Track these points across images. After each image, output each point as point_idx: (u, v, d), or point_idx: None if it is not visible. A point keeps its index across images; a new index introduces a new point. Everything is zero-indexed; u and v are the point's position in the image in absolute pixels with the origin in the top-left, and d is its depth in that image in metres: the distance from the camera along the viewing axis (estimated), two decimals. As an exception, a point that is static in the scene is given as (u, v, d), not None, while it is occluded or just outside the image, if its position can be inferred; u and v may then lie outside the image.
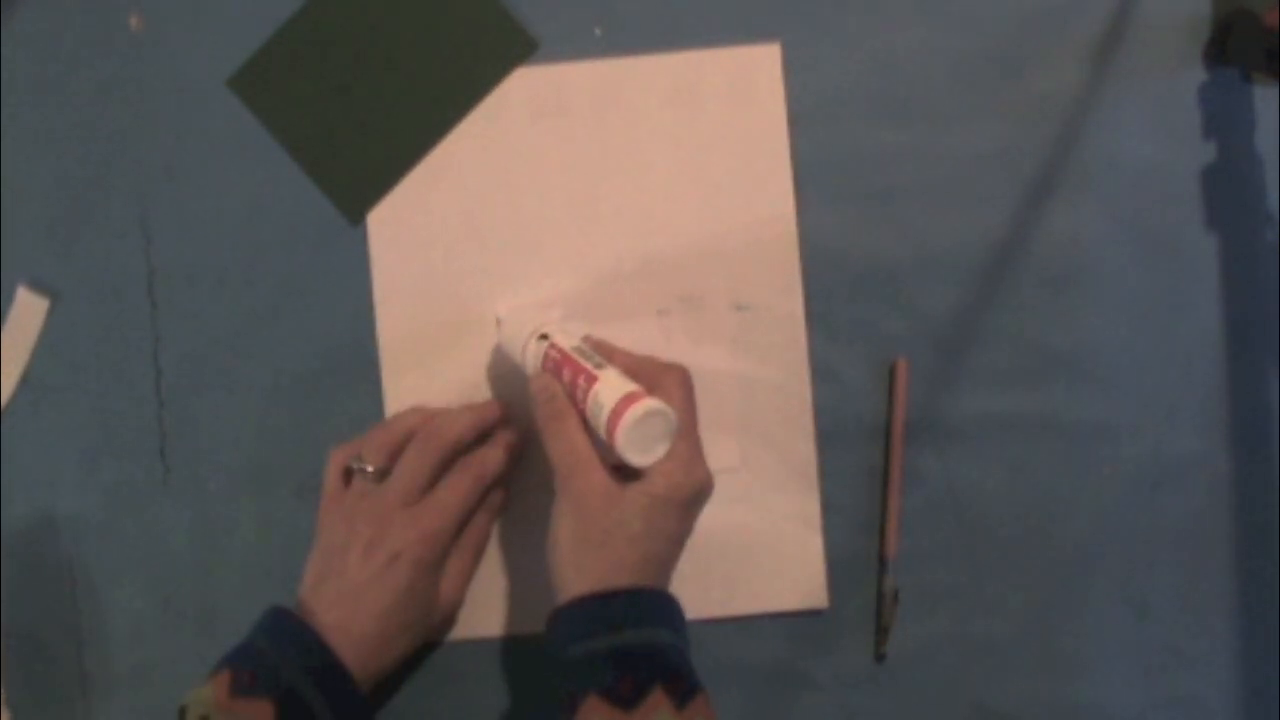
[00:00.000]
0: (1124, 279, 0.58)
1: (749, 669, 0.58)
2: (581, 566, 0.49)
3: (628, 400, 0.48)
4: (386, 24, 0.59)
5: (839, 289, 0.58)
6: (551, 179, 0.59)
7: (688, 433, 0.50)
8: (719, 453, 0.58)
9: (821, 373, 0.58)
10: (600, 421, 0.49)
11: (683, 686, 0.47)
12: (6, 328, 0.60)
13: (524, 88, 0.59)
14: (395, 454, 0.55)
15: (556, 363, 0.53)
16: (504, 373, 0.59)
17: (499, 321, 0.58)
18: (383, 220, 0.59)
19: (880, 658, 0.58)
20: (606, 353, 0.54)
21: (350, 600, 0.52)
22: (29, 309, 0.60)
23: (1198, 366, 0.58)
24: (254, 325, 0.60)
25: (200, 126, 0.60)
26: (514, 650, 0.59)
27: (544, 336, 0.54)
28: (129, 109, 0.60)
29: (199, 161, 0.60)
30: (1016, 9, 0.58)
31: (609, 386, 0.49)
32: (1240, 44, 0.57)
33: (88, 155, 0.60)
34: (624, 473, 0.50)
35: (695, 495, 0.50)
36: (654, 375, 0.52)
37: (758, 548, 0.58)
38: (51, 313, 0.60)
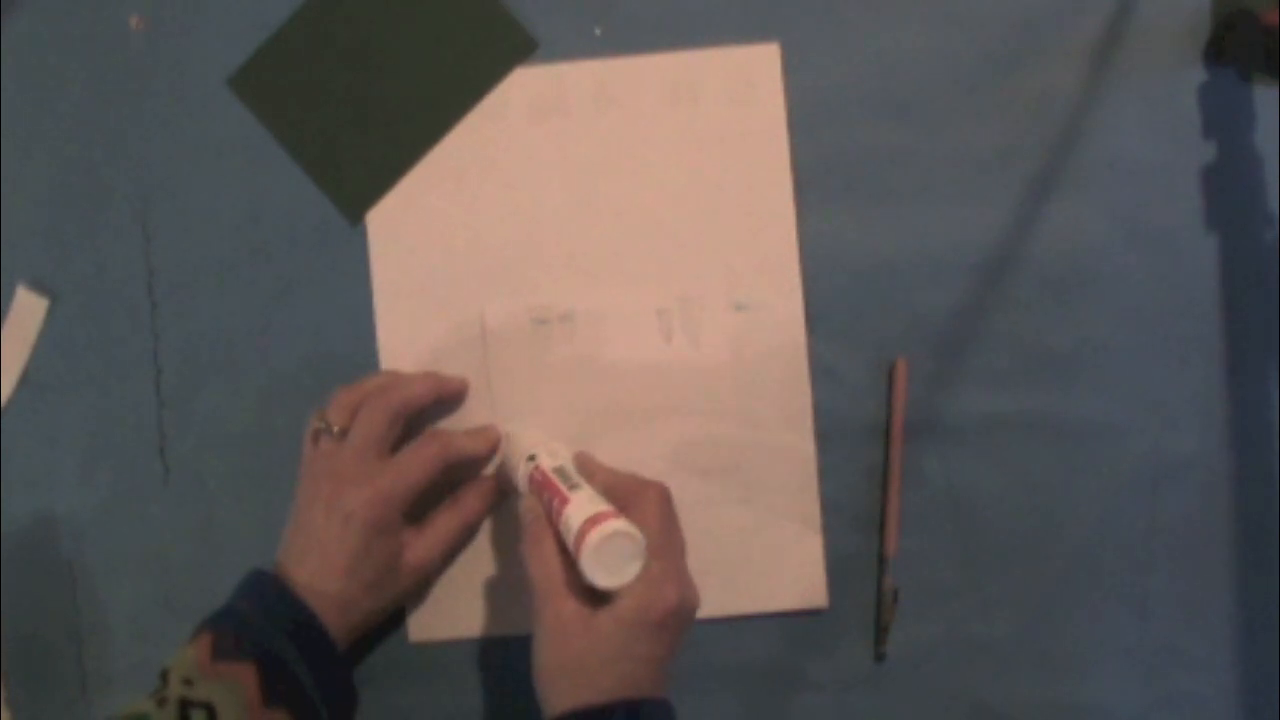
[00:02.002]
0: (1124, 279, 0.58)
1: (748, 669, 0.58)
2: (560, 691, 0.49)
3: (592, 522, 0.47)
4: (386, 24, 0.59)
5: (839, 289, 0.58)
6: (551, 179, 0.59)
7: (662, 552, 0.49)
8: (719, 453, 0.58)
9: (821, 373, 0.58)
10: (570, 544, 0.48)
11: None
12: (6, 328, 0.60)
13: (524, 88, 0.59)
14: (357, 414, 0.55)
15: (539, 484, 0.53)
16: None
17: (506, 436, 0.58)
18: (383, 220, 0.59)
19: (880, 658, 0.58)
20: (589, 472, 0.54)
21: (316, 558, 0.53)
22: (29, 309, 0.60)
23: (1198, 366, 0.58)
24: (254, 325, 0.60)
25: (200, 126, 0.60)
26: (512, 650, 0.59)
27: (531, 458, 0.54)
28: (129, 109, 0.60)
29: (199, 161, 0.60)
30: (1016, 9, 0.58)
31: (578, 508, 0.49)
32: (1240, 44, 0.56)
33: (88, 155, 0.60)
34: (598, 595, 0.49)
35: (666, 616, 0.48)
36: (631, 494, 0.51)
37: (757, 547, 0.58)
38: (51, 313, 0.60)
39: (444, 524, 0.56)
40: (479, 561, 0.59)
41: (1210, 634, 0.58)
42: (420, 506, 0.56)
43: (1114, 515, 0.58)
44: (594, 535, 0.47)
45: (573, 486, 0.51)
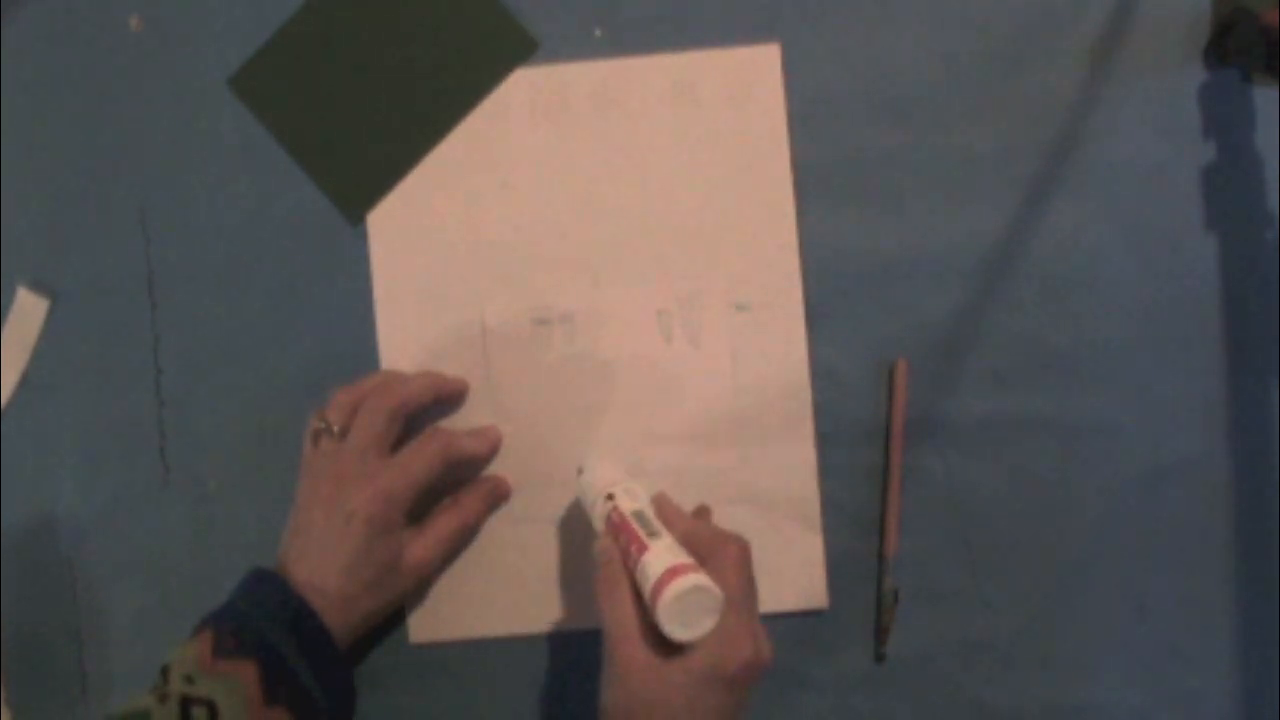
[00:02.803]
0: (1124, 279, 0.58)
1: (749, 669, 0.58)
2: None
3: (671, 574, 0.47)
4: (386, 24, 0.59)
5: (839, 289, 0.58)
6: (551, 179, 0.59)
7: (738, 607, 0.48)
8: (719, 453, 0.58)
9: (821, 373, 0.58)
10: (646, 592, 0.48)
11: None
12: (6, 328, 0.60)
13: (524, 88, 0.59)
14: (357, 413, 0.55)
15: (616, 526, 0.52)
16: (503, 384, 0.59)
17: (580, 471, 0.57)
18: (383, 220, 0.59)
19: (880, 658, 0.58)
20: (669, 518, 0.52)
21: (316, 557, 0.53)
22: (29, 309, 0.60)
23: (1198, 366, 0.58)
24: (254, 325, 0.60)
25: (200, 126, 0.60)
26: (512, 651, 0.59)
27: (610, 496, 0.53)
28: (129, 109, 0.60)
29: (199, 161, 0.60)
30: (1016, 9, 0.58)
31: (656, 557, 0.48)
32: (1240, 44, 0.57)
33: (88, 155, 0.60)
34: (671, 644, 0.48)
35: (739, 672, 0.47)
36: (710, 546, 0.50)
37: (758, 548, 0.57)
38: (51, 313, 0.60)
39: (444, 524, 0.56)
40: (479, 562, 0.59)
41: (1210, 634, 0.58)
42: (420, 506, 0.56)
43: (1114, 515, 0.58)
44: (672, 588, 0.46)
45: (652, 534, 0.50)
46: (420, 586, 0.58)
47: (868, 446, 0.58)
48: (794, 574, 0.58)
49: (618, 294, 0.59)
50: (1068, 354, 0.58)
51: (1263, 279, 0.58)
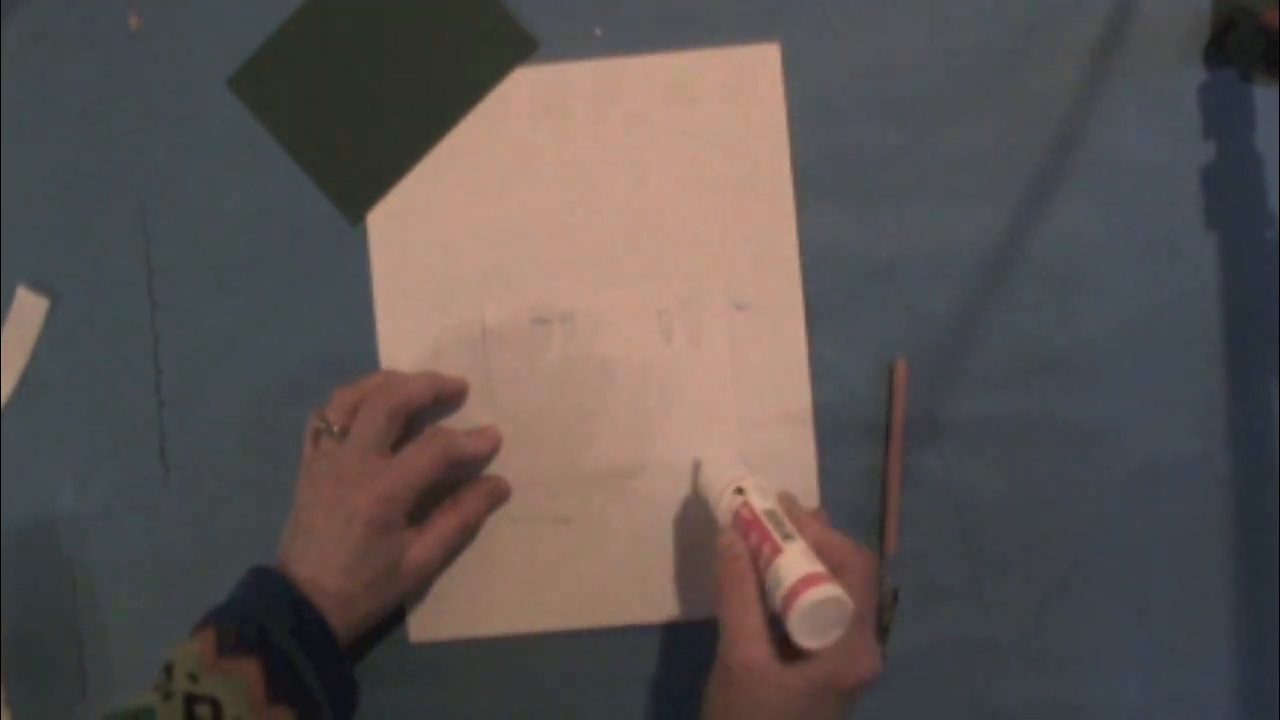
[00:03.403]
0: (1124, 279, 0.58)
1: (749, 669, 0.58)
2: None
3: (808, 582, 0.46)
4: (386, 24, 0.59)
5: (839, 289, 0.58)
6: (551, 179, 0.59)
7: (862, 621, 0.48)
8: (718, 453, 0.58)
9: (821, 373, 0.58)
10: (777, 596, 0.48)
11: None
12: (6, 328, 0.60)
13: (524, 88, 0.59)
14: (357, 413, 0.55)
15: (746, 522, 0.51)
16: (502, 379, 0.59)
17: (697, 463, 0.57)
18: (383, 220, 0.59)
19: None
20: (799, 522, 0.52)
21: (316, 556, 0.53)
22: (29, 309, 0.60)
23: (1198, 366, 0.58)
24: (254, 325, 0.60)
25: (200, 126, 0.60)
26: (512, 650, 0.59)
27: (740, 490, 0.53)
28: (129, 109, 0.60)
29: (199, 161, 0.60)
30: (1016, 9, 0.58)
31: (792, 562, 0.48)
32: (1240, 44, 0.57)
33: (88, 155, 0.60)
34: (790, 648, 0.48)
35: (856, 686, 0.48)
36: (840, 556, 0.50)
37: (758, 548, 0.58)
38: (51, 313, 0.60)
39: (444, 524, 0.56)
40: (479, 561, 0.59)
41: (1210, 634, 0.58)
42: (420, 506, 0.56)
43: (1114, 515, 0.58)
44: (809, 596, 0.46)
45: (786, 537, 0.49)
46: (420, 586, 0.58)
47: (868, 446, 0.58)
48: (794, 574, 0.58)
49: (618, 294, 0.59)
50: (1068, 354, 0.58)
51: (1263, 279, 0.58)
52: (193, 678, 0.49)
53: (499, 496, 0.58)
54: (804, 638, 0.47)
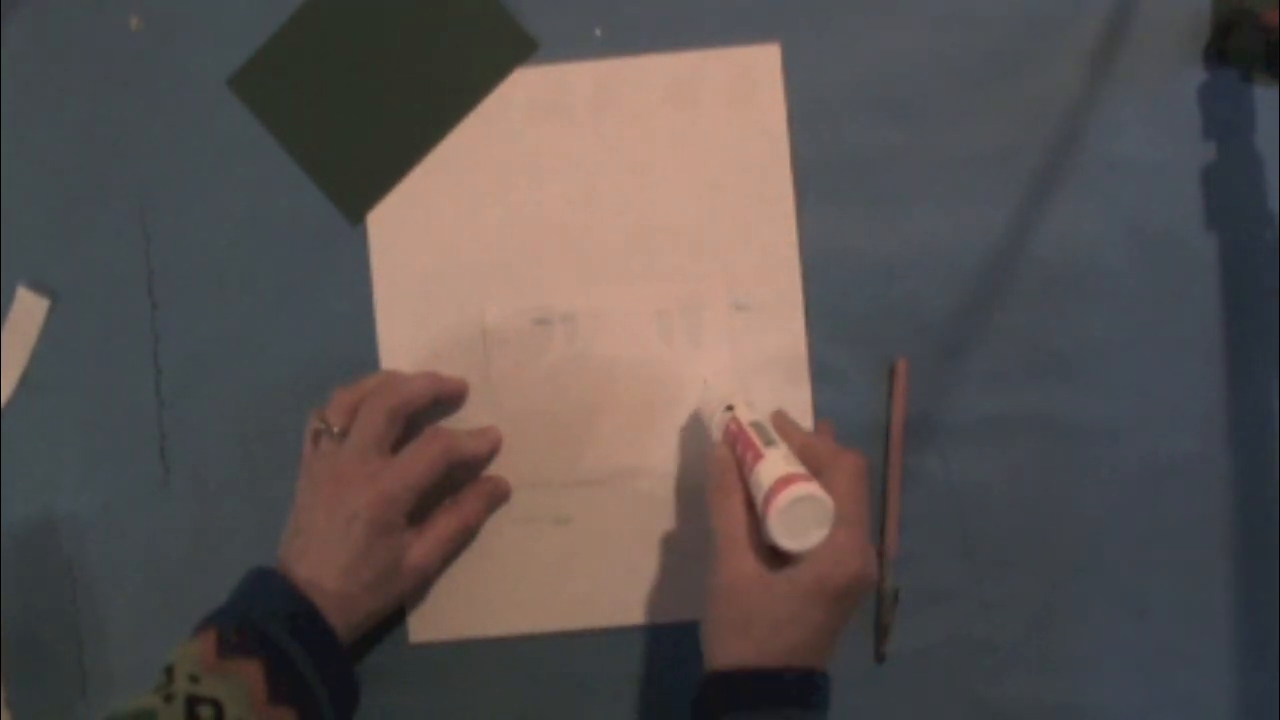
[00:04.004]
0: (1124, 279, 0.58)
1: (749, 669, 0.58)
2: (724, 647, 0.49)
3: (783, 482, 0.47)
4: (386, 24, 0.59)
5: (839, 289, 0.58)
6: (551, 179, 0.59)
7: (850, 521, 0.48)
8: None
9: (821, 373, 0.58)
10: (758, 501, 0.48)
11: None
12: (6, 328, 0.60)
13: (524, 88, 0.59)
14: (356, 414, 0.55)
15: (733, 435, 0.52)
16: (506, 381, 0.59)
17: (705, 383, 0.57)
18: (383, 220, 0.59)
19: (880, 658, 0.58)
20: (786, 431, 0.53)
21: (317, 556, 0.53)
22: (29, 309, 0.60)
23: (1198, 366, 0.58)
24: (254, 325, 0.60)
25: (200, 126, 0.60)
26: (512, 650, 0.59)
27: (729, 408, 0.53)
28: (129, 109, 0.60)
29: (199, 161, 0.60)
30: (1016, 9, 0.58)
31: (771, 466, 0.48)
32: (1240, 44, 0.57)
33: (88, 155, 0.60)
34: (779, 555, 0.48)
35: (847, 588, 0.48)
36: (825, 459, 0.50)
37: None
38: (51, 313, 0.60)
39: (444, 525, 0.56)
40: (479, 562, 0.59)
41: (1210, 634, 0.58)
42: (420, 507, 0.56)
43: (1114, 515, 0.58)
44: (784, 496, 0.46)
45: (768, 443, 0.50)
46: (420, 587, 0.58)
47: (868, 446, 0.58)
48: (794, 574, 0.58)
49: (618, 294, 0.59)
50: (1068, 354, 0.58)
51: (1263, 279, 0.58)
52: (194, 679, 0.49)
53: (499, 497, 0.58)
54: (784, 539, 0.47)
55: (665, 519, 0.58)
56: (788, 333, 0.58)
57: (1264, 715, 0.58)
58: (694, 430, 0.58)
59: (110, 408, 0.60)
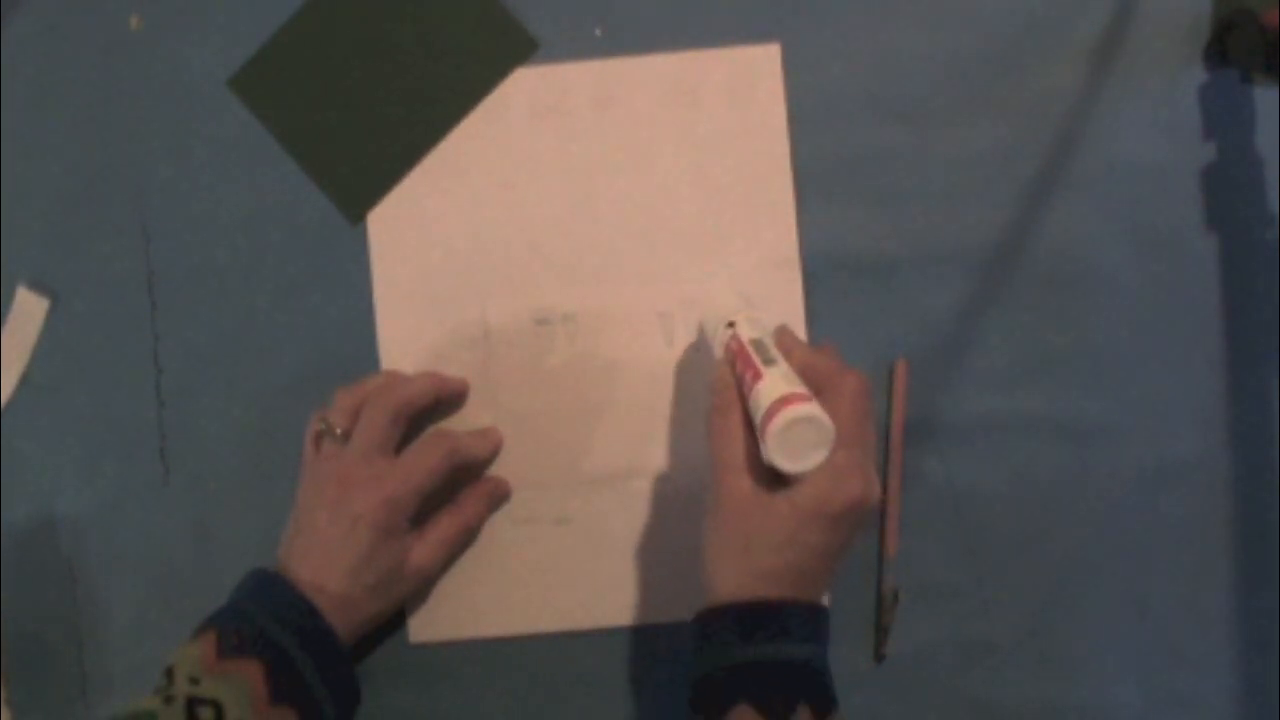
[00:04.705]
0: (1124, 279, 0.58)
1: (749, 669, 0.58)
2: (723, 570, 0.48)
3: (782, 402, 0.45)
4: (386, 24, 0.59)
5: (839, 289, 0.58)
6: (551, 179, 0.59)
7: (850, 443, 0.47)
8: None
9: (821, 373, 0.58)
10: (757, 421, 0.47)
11: (824, 703, 0.47)
12: (6, 328, 0.60)
13: (524, 88, 0.59)
14: (359, 415, 0.55)
15: (734, 354, 0.51)
16: (512, 369, 0.59)
17: (709, 302, 0.56)
18: (383, 220, 0.59)
19: (880, 658, 0.58)
20: (787, 348, 0.51)
21: (319, 558, 0.52)
22: (29, 309, 0.60)
23: (1198, 366, 0.58)
24: (254, 325, 0.60)
25: (200, 126, 0.60)
26: (513, 651, 0.59)
27: (730, 325, 0.52)
28: (129, 109, 0.60)
29: (199, 161, 0.60)
30: (1016, 9, 0.58)
31: (770, 386, 0.47)
32: (1240, 44, 0.57)
33: (88, 155, 0.60)
34: (778, 476, 0.47)
35: (845, 509, 0.47)
36: (827, 377, 0.49)
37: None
38: (51, 313, 0.60)
39: (445, 526, 0.56)
40: (479, 562, 0.59)
41: (1210, 634, 0.58)
42: (421, 508, 0.56)
43: (1114, 515, 0.58)
44: (782, 417, 0.45)
45: (768, 361, 0.48)
46: (421, 588, 0.58)
47: (868, 446, 0.58)
48: (794, 574, 0.58)
49: (619, 294, 0.59)
50: (1068, 354, 0.58)
51: (1263, 279, 0.58)
52: (194, 680, 0.49)
53: (500, 498, 0.58)
54: (783, 460, 0.46)
55: (665, 519, 0.58)
56: (788, 333, 0.58)
57: (1264, 715, 0.58)
58: (694, 430, 0.58)
59: (110, 408, 0.60)
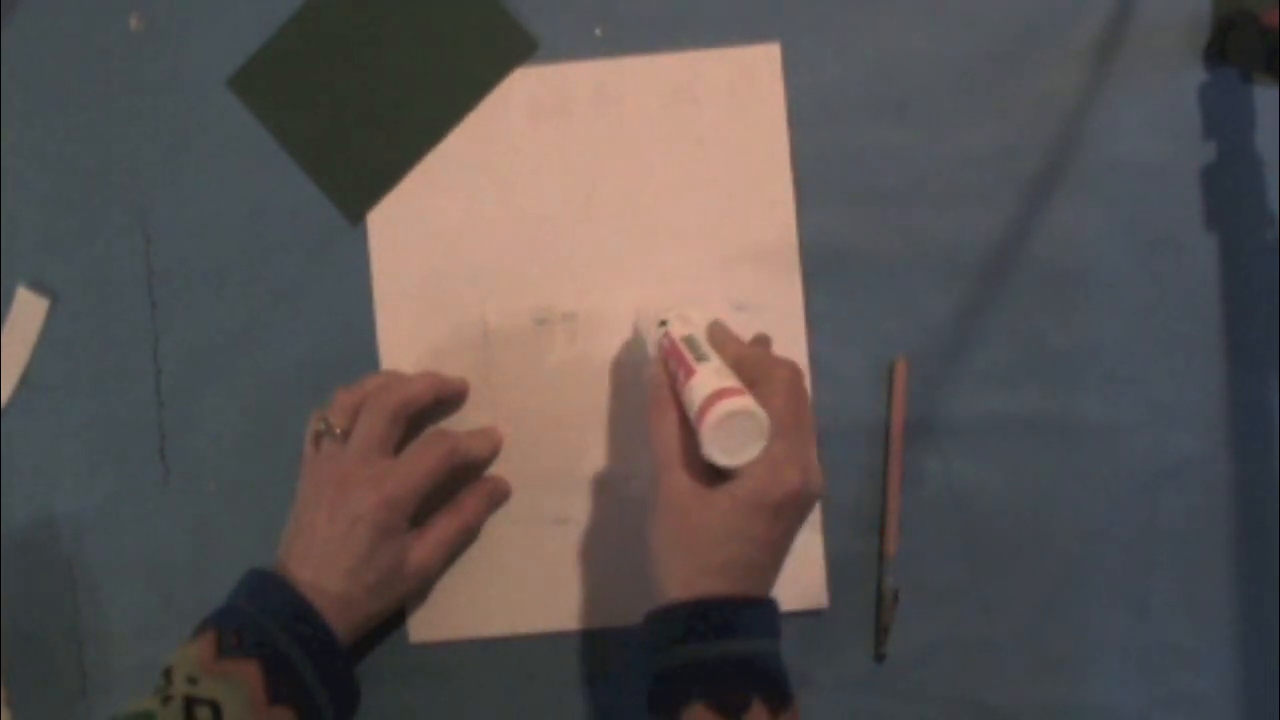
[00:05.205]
0: (1124, 279, 0.58)
1: (749, 669, 0.58)
2: (669, 568, 0.49)
3: (715, 397, 0.46)
4: (386, 24, 0.59)
5: (839, 289, 0.58)
6: (551, 179, 0.59)
7: (786, 433, 0.47)
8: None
9: (821, 373, 0.58)
10: (692, 418, 0.47)
11: (778, 697, 0.47)
12: (6, 328, 0.60)
13: (524, 88, 0.59)
14: (358, 415, 0.55)
15: (667, 352, 0.51)
16: (508, 365, 0.59)
17: (641, 303, 0.57)
18: (383, 220, 0.59)
19: (880, 658, 0.58)
20: (720, 343, 0.52)
21: (318, 559, 0.52)
22: (29, 309, 0.60)
23: (1198, 366, 0.58)
24: (254, 325, 0.60)
25: (200, 126, 0.60)
26: (512, 650, 0.59)
27: (663, 323, 0.52)
28: (129, 109, 0.60)
29: (199, 161, 0.60)
30: (1016, 9, 0.58)
31: (702, 381, 0.47)
32: (1240, 44, 0.57)
33: (88, 155, 0.60)
34: (717, 471, 0.48)
35: (786, 500, 0.47)
36: (760, 370, 0.49)
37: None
38: (51, 313, 0.60)
39: (445, 526, 0.56)
40: (479, 562, 0.59)
41: (1210, 634, 0.58)
42: (420, 508, 0.56)
43: (1114, 515, 0.58)
44: (715, 412, 0.45)
45: (700, 358, 0.49)
46: (421, 588, 0.58)
47: (868, 446, 0.58)
48: (794, 574, 0.58)
49: (619, 294, 0.59)
50: (1068, 354, 0.58)
51: (1263, 279, 0.58)
52: (192, 680, 0.49)
53: (499, 497, 0.58)
54: (720, 455, 0.46)
55: (665, 519, 0.58)
56: (788, 333, 0.58)
57: (1264, 715, 0.58)
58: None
59: (110, 408, 0.60)
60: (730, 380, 0.47)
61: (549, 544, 0.59)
